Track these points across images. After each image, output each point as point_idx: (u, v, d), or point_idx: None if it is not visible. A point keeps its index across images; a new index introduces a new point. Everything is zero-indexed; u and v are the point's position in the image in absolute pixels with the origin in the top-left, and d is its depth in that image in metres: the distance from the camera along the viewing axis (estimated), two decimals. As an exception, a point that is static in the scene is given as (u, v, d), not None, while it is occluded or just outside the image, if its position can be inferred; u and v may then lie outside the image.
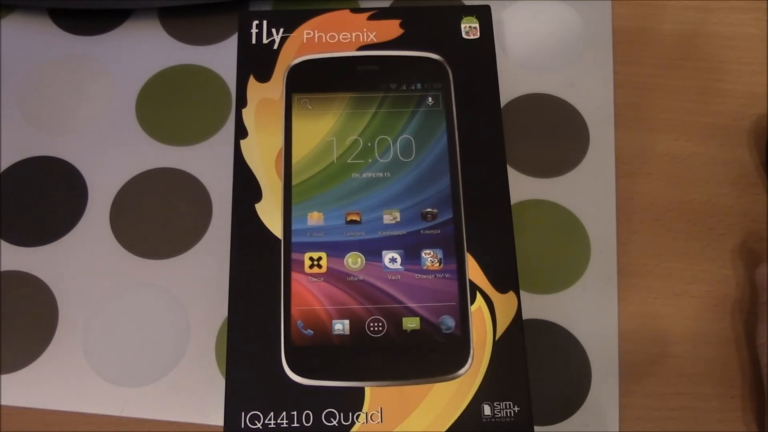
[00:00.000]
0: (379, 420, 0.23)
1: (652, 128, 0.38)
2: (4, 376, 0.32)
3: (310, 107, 0.28)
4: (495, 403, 0.24)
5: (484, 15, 0.29)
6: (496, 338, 0.25)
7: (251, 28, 0.29)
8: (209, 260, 0.35)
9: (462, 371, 0.24)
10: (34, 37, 0.40)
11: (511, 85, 0.38)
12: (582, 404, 0.31)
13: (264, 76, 0.28)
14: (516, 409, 0.24)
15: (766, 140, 0.37)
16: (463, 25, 0.29)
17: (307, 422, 0.23)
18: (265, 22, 0.29)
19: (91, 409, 0.32)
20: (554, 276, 0.34)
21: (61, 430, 0.32)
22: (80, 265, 0.35)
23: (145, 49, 0.40)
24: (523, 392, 0.24)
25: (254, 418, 0.23)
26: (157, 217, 0.36)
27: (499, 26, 0.39)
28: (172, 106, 0.38)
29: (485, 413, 0.24)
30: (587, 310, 0.34)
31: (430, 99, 0.28)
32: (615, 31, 0.40)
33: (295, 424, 0.23)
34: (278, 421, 0.23)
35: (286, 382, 0.24)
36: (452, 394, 0.24)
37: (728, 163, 0.37)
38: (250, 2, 0.41)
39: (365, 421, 0.23)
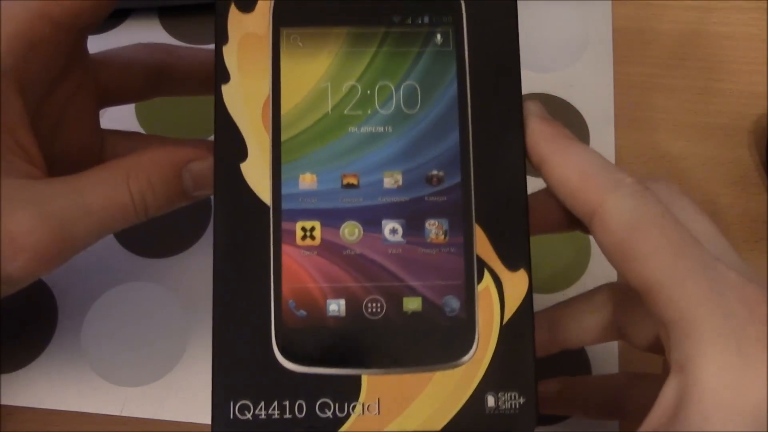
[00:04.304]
0: (377, 411, 0.22)
1: (652, 128, 0.38)
2: (4, 376, 0.32)
3: (300, 44, 0.24)
4: (499, 394, 0.22)
5: None
6: (504, 322, 0.22)
7: None
8: (209, 259, 0.35)
9: (466, 358, 0.22)
10: (34, 37, 0.40)
11: (511, 85, 0.38)
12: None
13: (247, 5, 0.24)
14: (521, 400, 0.22)
15: (766, 140, 0.37)
16: None
17: (300, 413, 0.22)
18: None
19: (91, 408, 0.32)
20: (554, 276, 0.34)
21: (61, 430, 0.32)
22: (80, 264, 0.35)
23: (145, 49, 0.40)
24: (529, 382, 0.22)
25: (244, 408, 0.22)
26: (156, 216, 0.36)
27: (499, 26, 0.39)
28: (172, 106, 0.38)
29: (489, 404, 0.22)
30: (587, 310, 0.34)
31: (438, 36, 0.24)
32: (615, 31, 0.40)
33: (288, 415, 0.22)
34: (269, 411, 0.22)
35: (277, 369, 0.22)
36: (455, 384, 0.22)
37: (728, 163, 0.37)
38: None
39: (362, 412, 0.22)
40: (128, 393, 0.32)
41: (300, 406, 0.22)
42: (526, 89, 0.40)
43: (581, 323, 0.25)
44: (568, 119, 0.38)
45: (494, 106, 0.24)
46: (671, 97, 0.39)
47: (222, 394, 0.22)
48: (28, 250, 0.21)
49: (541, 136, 0.22)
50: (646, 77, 0.39)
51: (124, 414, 0.32)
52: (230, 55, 0.24)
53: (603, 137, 0.38)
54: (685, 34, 0.40)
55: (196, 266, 0.34)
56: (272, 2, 0.24)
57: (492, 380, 0.22)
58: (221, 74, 0.24)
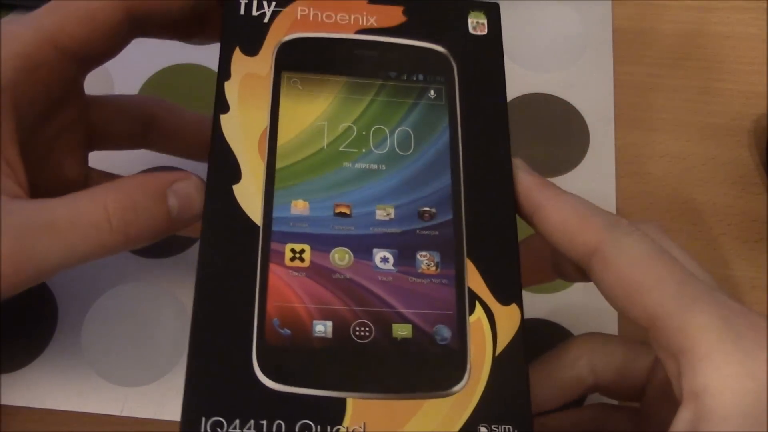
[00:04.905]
0: None
1: (652, 128, 0.38)
2: (4, 376, 0.32)
3: (300, 87, 0.25)
4: (493, 426, 0.21)
5: (492, 13, 0.27)
6: (496, 354, 0.22)
7: None
8: (209, 260, 0.35)
9: (457, 388, 0.21)
10: (34, 37, 0.40)
11: (511, 85, 0.38)
12: (582, 404, 0.31)
13: (251, 50, 0.25)
14: None
15: (766, 140, 0.37)
16: (470, 20, 0.26)
17: None
18: None
19: (91, 408, 0.32)
20: (554, 276, 0.34)
21: (61, 430, 0.32)
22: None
23: (145, 49, 0.40)
24: (524, 415, 0.21)
25: (216, 425, 0.20)
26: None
27: (499, 26, 0.39)
28: (177, 98, 0.38)
29: None
30: (587, 310, 0.34)
31: (432, 92, 0.25)
32: (615, 31, 0.40)
33: None
34: (244, 430, 0.20)
35: (256, 386, 0.21)
36: (445, 413, 0.21)
37: (728, 163, 0.37)
38: None
39: None
40: (128, 393, 0.32)
41: (279, 426, 0.20)
42: (526, 89, 0.41)
43: (556, 381, 0.25)
44: (568, 119, 0.38)
45: (485, 155, 0.25)
46: (671, 97, 0.39)
47: (193, 408, 0.20)
48: None
49: (532, 185, 0.23)
50: (646, 77, 0.39)
51: (124, 414, 0.32)
52: (231, 89, 0.25)
53: (603, 137, 0.38)
54: (685, 34, 0.40)
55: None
56: (275, 49, 0.25)
57: (485, 412, 0.21)
58: (221, 105, 0.24)
